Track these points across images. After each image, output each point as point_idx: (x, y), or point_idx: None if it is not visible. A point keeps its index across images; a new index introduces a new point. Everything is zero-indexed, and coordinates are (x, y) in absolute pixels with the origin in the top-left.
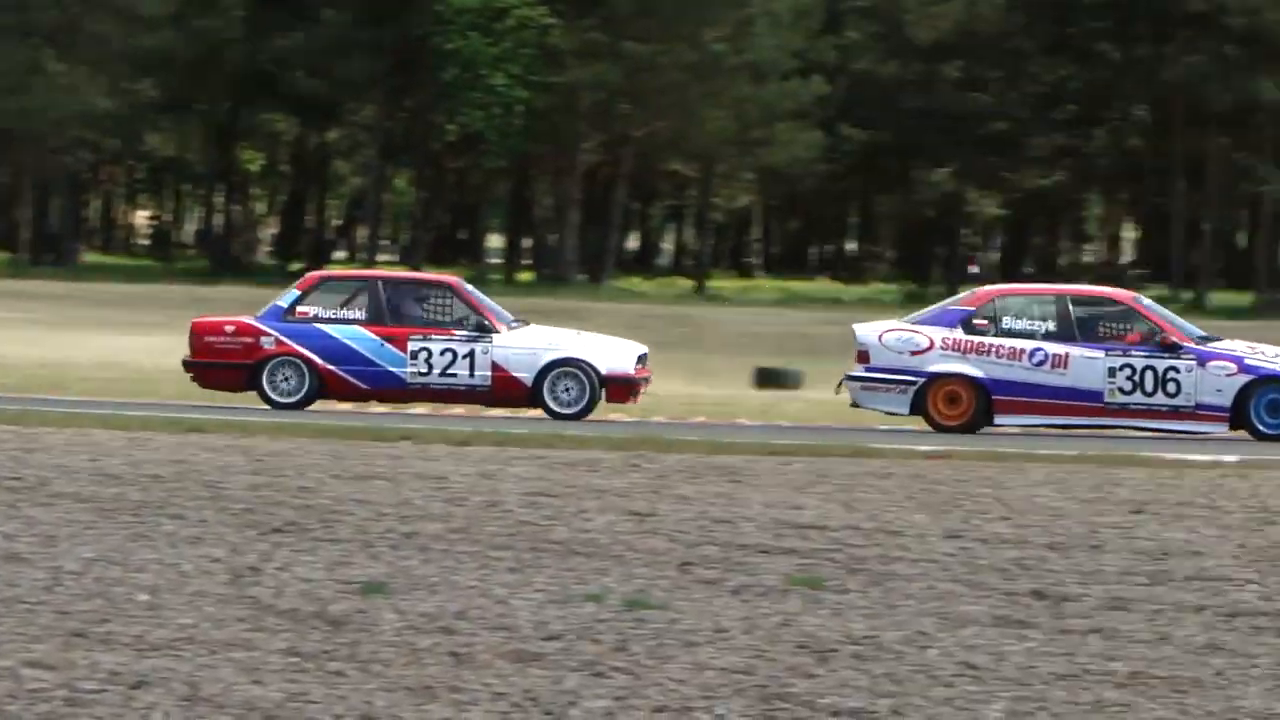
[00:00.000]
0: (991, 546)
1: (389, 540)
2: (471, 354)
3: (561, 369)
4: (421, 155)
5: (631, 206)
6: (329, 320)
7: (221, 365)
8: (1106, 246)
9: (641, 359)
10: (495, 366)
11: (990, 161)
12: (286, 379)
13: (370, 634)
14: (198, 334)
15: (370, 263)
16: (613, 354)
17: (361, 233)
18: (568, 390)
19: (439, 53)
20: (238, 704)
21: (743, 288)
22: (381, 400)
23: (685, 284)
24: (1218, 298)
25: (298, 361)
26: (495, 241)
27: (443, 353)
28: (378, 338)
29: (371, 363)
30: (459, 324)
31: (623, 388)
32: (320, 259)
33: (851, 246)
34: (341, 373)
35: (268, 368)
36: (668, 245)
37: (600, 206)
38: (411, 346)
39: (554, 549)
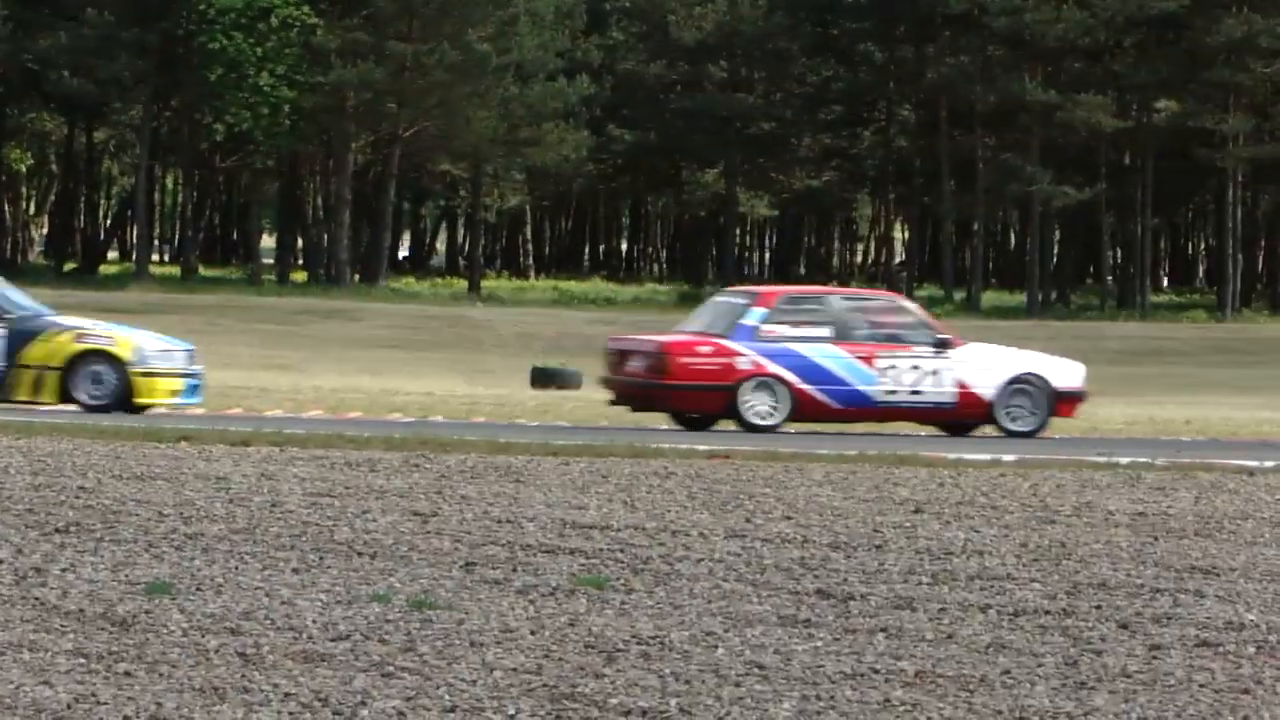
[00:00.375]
0: (775, 546)
1: (172, 541)
2: (937, 371)
3: (1018, 385)
4: (190, 155)
5: (403, 206)
6: (798, 339)
7: (698, 387)
8: (877, 247)
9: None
10: (960, 383)
11: (759, 162)
12: (763, 400)
13: (157, 634)
14: (671, 355)
15: (144, 262)
16: (1064, 370)
17: (133, 233)
18: (1020, 406)
19: (204, 52)
20: (25, 705)
21: (516, 288)
22: (846, 420)
23: (459, 284)
24: (989, 297)
25: (773, 382)
26: (267, 242)
27: (911, 369)
28: (849, 355)
29: (844, 382)
30: (915, 340)
31: (1071, 403)
32: (92, 259)
33: (624, 247)
34: (816, 393)
35: (744, 389)
36: (441, 246)
37: (372, 206)
38: (879, 364)
39: (338, 549)
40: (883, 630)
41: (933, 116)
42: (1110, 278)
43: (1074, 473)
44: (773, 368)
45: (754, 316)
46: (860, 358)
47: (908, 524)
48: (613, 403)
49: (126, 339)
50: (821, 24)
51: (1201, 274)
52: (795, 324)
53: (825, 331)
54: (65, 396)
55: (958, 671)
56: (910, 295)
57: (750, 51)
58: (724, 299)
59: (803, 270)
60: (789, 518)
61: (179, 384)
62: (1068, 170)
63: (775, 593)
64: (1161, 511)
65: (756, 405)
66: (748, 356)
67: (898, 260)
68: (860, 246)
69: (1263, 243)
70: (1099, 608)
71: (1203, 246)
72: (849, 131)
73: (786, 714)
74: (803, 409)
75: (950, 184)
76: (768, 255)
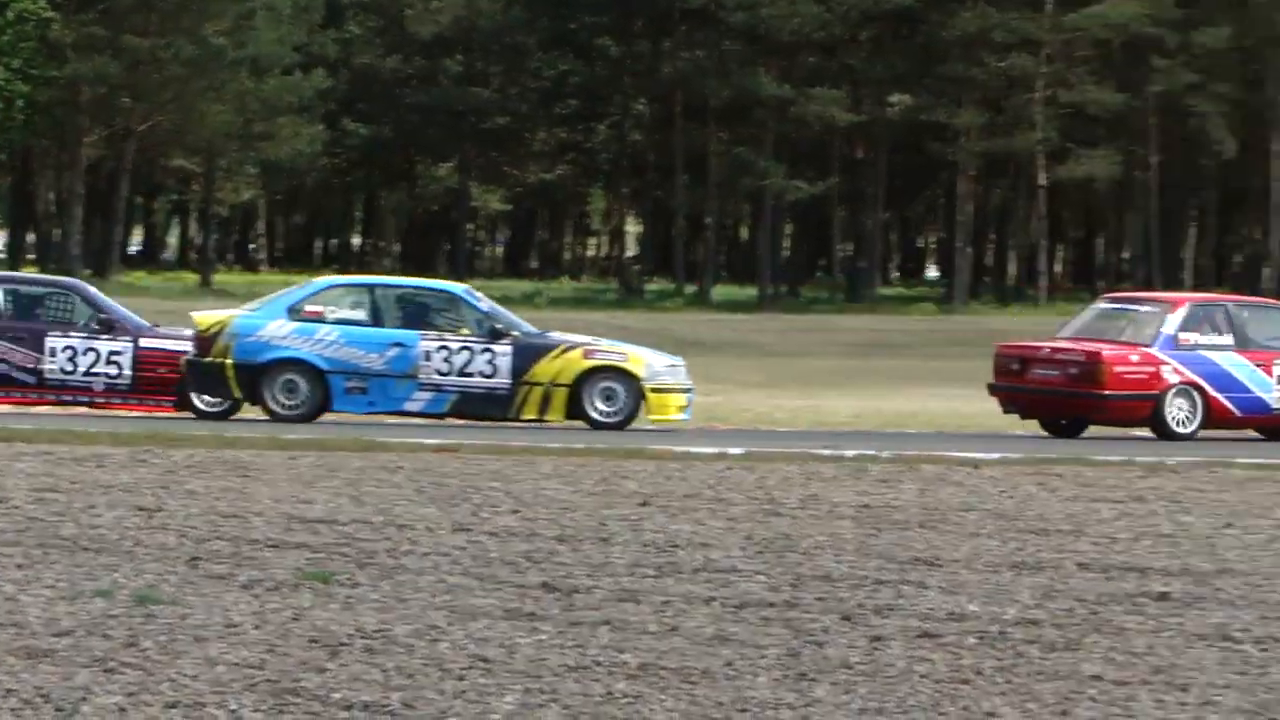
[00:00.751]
0: (501, 540)
1: None
2: None
3: None
4: None
5: (135, 201)
6: (1209, 347)
7: (1129, 396)
8: (610, 241)
9: None
10: None
11: (493, 156)
12: (1183, 409)
13: None
14: (1107, 365)
15: None
16: None
17: None
18: None
19: None
20: None
21: (248, 282)
22: (1243, 427)
23: (191, 279)
24: (721, 291)
25: (1191, 390)
26: None
27: None
28: (1250, 363)
29: (1247, 390)
30: None
31: None
32: None
33: (357, 241)
34: (1225, 400)
35: (1168, 398)
36: (173, 240)
37: (104, 201)
38: (1276, 370)
39: (62, 545)
40: (607, 623)
41: (667, 111)
42: (841, 271)
43: (800, 465)
44: (1191, 376)
45: (1172, 325)
46: (1259, 365)
47: (634, 517)
48: (1007, 411)
49: (638, 355)
50: (559, 18)
51: (931, 267)
52: (1204, 332)
53: (1229, 339)
54: (572, 413)
55: (681, 663)
56: (641, 289)
57: (487, 45)
58: (1123, 306)
59: (535, 265)
60: (516, 511)
61: (684, 400)
62: (801, 164)
63: (500, 586)
64: (886, 504)
65: (1177, 414)
66: (1170, 365)
67: (630, 254)
68: (593, 240)
69: (992, 236)
70: (822, 599)
71: (933, 240)
72: (584, 126)
73: (509, 707)
74: (1212, 416)
75: (683, 178)
76: (500, 249)
